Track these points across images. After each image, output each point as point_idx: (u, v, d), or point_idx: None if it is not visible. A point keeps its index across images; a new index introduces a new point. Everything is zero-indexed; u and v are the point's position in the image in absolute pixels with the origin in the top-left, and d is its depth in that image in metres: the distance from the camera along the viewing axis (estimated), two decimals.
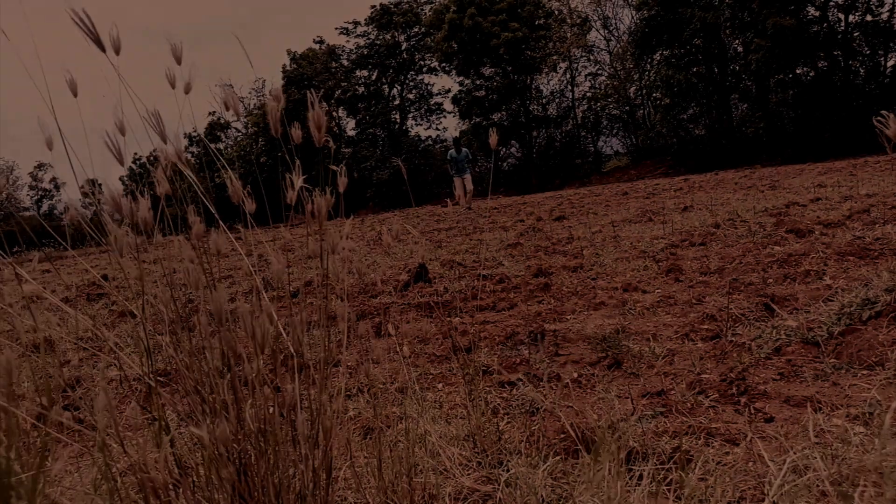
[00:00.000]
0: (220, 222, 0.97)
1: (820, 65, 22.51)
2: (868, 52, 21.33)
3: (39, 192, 54.54)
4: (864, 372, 1.89)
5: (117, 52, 1.00)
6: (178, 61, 0.98)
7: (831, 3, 21.94)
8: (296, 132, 0.96)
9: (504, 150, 35.72)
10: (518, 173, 36.00)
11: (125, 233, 0.86)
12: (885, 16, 21.66)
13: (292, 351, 0.92)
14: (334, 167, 0.95)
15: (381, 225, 13.10)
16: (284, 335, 0.94)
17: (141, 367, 0.91)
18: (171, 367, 1.01)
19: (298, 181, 0.90)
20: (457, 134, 36.93)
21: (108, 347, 2.85)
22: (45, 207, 54.23)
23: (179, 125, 1.05)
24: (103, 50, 0.99)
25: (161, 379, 2.53)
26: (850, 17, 22.10)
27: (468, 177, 15.94)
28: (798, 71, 22.96)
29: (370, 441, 1.80)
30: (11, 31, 1.13)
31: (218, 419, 0.88)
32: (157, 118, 1.00)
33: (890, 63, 21.48)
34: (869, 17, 21.87)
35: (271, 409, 0.93)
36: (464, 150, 16.22)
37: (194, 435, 0.91)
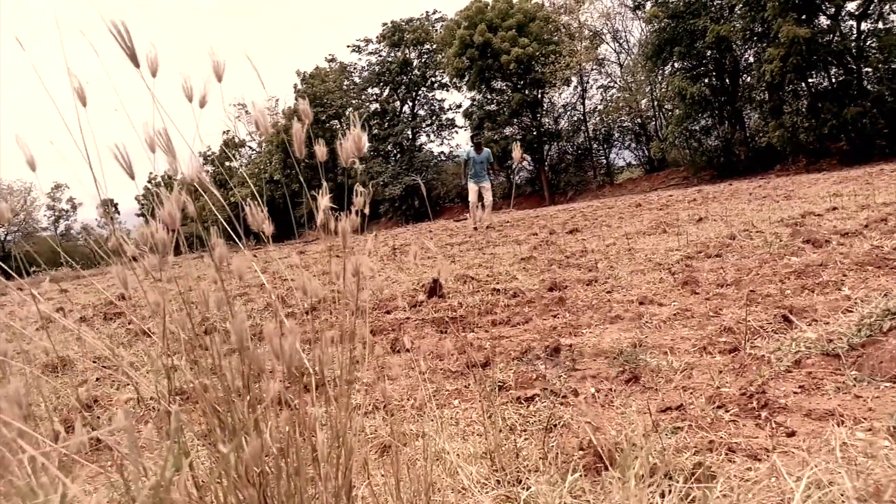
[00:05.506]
0: (240, 243, 0.98)
1: (834, 73, 22.39)
2: (882, 60, 21.18)
3: (56, 213, 55.34)
4: (887, 384, 1.86)
5: (154, 73, 1.01)
6: (219, 79, 0.99)
7: (843, 13, 21.86)
8: (321, 150, 0.96)
9: (516, 163, 35.76)
10: (530, 187, 36.03)
11: (140, 254, 0.87)
12: None
13: (310, 370, 0.92)
14: (361, 188, 0.96)
15: (394, 240, 13.14)
16: (302, 355, 0.94)
17: (156, 388, 0.91)
18: (188, 387, 1.01)
19: (323, 201, 0.90)
20: (469, 146, 36.97)
21: (122, 368, 2.87)
22: (62, 227, 54.99)
23: (195, 143, 1.06)
24: (137, 66, 0.99)
25: (178, 399, 2.54)
26: (863, 25, 22.01)
27: (487, 185, 12.76)
28: (811, 80, 22.84)
29: (387, 459, 1.79)
30: (27, 45, 1.15)
31: (238, 439, 0.88)
32: (166, 136, 1.01)
33: None
34: (882, 25, 21.75)
35: (291, 430, 0.93)
36: (485, 150, 12.86)
37: (220, 453, 0.91)
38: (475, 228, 12.36)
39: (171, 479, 0.79)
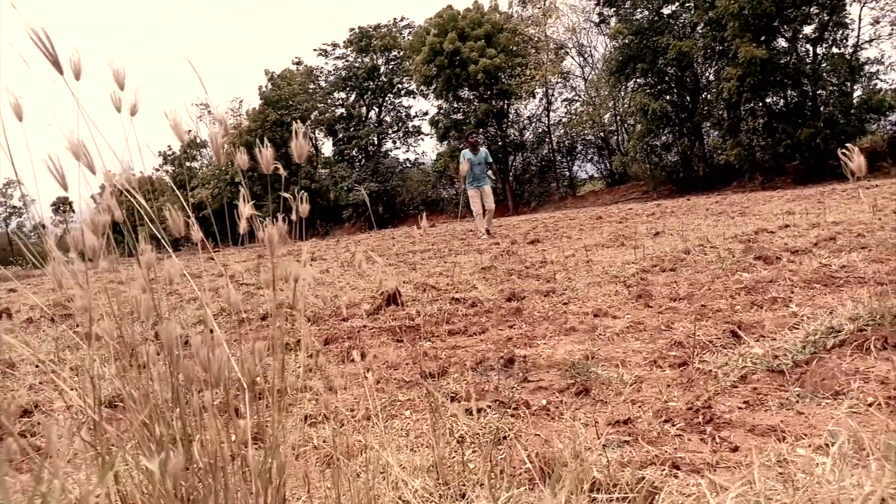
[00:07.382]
0: (169, 248, 0.95)
1: (790, 94, 23.05)
2: (835, 83, 21.90)
3: (8, 210, 53.81)
4: (828, 401, 1.90)
5: (77, 76, 1.00)
6: (121, 87, 0.97)
7: (801, 36, 22.54)
8: (266, 157, 0.95)
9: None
10: (494, 196, 36.23)
11: (70, 261, 0.83)
12: (850, 49, 22.37)
13: (243, 383, 0.89)
14: (286, 195, 0.94)
15: (355, 246, 13.04)
16: (236, 366, 0.91)
17: (83, 399, 0.88)
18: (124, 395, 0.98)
19: (247, 209, 0.88)
20: (435, 154, 36.94)
21: (60, 373, 2.78)
22: (13, 225, 53.49)
23: (125, 150, 1.03)
24: (61, 72, 0.97)
25: (117, 405, 2.47)
26: (819, 49, 22.72)
27: (488, 189, 11.81)
28: (768, 100, 23.47)
29: (331, 472, 1.76)
30: None
31: (165, 452, 0.85)
32: (84, 148, 0.98)
33: (856, 94, 22.10)
34: (836, 50, 22.52)
35: (222, 443, 0.91)
36: (482, 149, 11.72)
37: (144, 468, 0.88)
38: (487, 232, 11.76)
39: (92, 493, 0.76)
